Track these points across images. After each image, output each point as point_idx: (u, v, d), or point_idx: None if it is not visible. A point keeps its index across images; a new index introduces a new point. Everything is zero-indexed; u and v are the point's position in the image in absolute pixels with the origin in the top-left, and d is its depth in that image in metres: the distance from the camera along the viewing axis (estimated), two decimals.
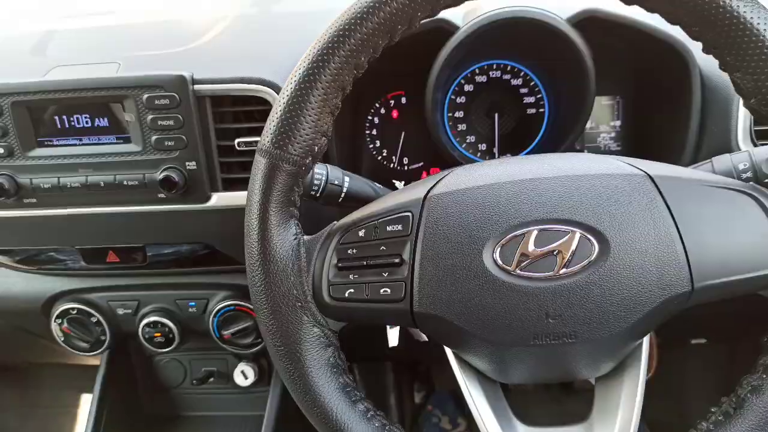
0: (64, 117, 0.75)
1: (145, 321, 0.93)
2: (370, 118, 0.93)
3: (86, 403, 1.69)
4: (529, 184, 0.50)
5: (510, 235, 0.49)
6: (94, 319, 0.94)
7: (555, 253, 0.48)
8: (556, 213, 0.49)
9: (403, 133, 0.94)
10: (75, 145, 0.76)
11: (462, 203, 0.50)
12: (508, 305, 0.48)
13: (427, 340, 0.72)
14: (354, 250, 0.53)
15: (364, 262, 0.52)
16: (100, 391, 1.04)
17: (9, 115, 0.74)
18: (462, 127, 0.91)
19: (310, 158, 0.52)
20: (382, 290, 0.51)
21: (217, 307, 0.91)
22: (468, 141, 0.92)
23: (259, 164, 0.52)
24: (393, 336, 0.72)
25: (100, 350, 0.96)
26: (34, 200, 0.78)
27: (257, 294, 0.53)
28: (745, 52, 0.47)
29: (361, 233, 0.53)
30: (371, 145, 0.94)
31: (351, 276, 0.52)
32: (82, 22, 0.93)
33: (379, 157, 0.95)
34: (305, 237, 0.55)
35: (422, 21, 0.51)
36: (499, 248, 0.49)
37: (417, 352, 0.66)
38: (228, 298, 0.91)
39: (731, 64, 0.48)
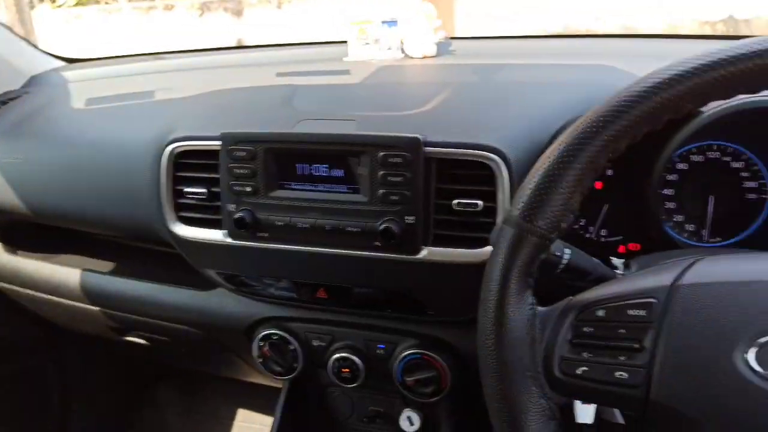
0: (306, 165, 0.85)
1: (336, 355, 0.99)
2: None
3: (239, 416, 1.82)
4: None
5: (767, 338, 0.47)
6: (291, 347, 1.02)
7: None
8: None
9: (605, 205, 0.94)
10: (311, 190, 0.85)
11: (715, 297, 0.50)
12: (758, 411, 0.46)
13: (623, 422, 0.70)
14: (591, 329, 0.53)
15: (602, 343, 0.53)
16: (281, 414, 1.12)
17: (261, 159, 0.85)
18: (671, 205, 0.89)
19: (555, 233, 0.54)
20: (617, 373, 0.51)
21: (405, 353, 0.95)
22: (675, 220, 0.89)
23: (506, 233, 0.55)
24: (586, 413, 0.71)
25: (291, 376, 1.04)
26: (266, 234, 0.88)
27: (488, 357, 0.55)
28: None
29: (600, 313, 0.54)
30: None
31: (585, 354, 0.53)
32: (319, 79, 1.04)
33: (576, 226, 0.95)
34: (540, 308, 0.56)
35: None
36: (754, 349, 0.47)
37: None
38: (415, 346, 0.95)
39: None
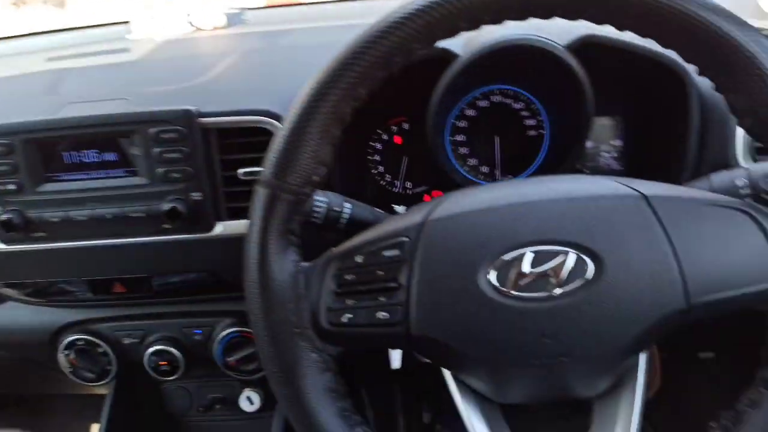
0: (73, 152, 0.77)
1: (150, 350, 0.93)
2: (372, 144, 0.95)
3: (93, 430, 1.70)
4: (524, 207, 0.51)
5: (506, 257, 0.49)
6: (100, 350, 0.94)
7: (550, 273, 0.49)
8: (551, 234, 0.50)
9: (405, 158, 0.95)
10: (83, 179, 0.78)
11: (458, 227, 0.51)
12: (504, 326, 0.49)
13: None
14: (352, 276, 0.54)
15: (362, 288, 0.53)
16: (107, 422, 1.05)
17: (20, 152, 0.76)
18: (464, 150, 0.93)
19: (309, 188, 0.53)
20: (379, 314, 0.52)
21: (222, 334, 0.92)
22: (470, 164, 0.93)
23: (259, 195, 0.53)
24: (395, 359, 0.73)
25: (106, 380, 0.97)
26: (44, 234, 0.80)
27: (256, 322, 0.53)
28: (738, 73, 0.47)
29: (359, 259, 0.54)
30: (374, 171, 0.96)
31: (348, 301, 0.53)
32: (92, 61, 0.95)
33: (383, 182, 0.96)
34: (304, 264, 0.55)
35: (420, 52, 0.52)
36: (494, 270, 0.50)
37: (424, 373, 0.67)
38: (233, 324, 0.92)
39: (725, 86, 0.49)
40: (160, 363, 0.93)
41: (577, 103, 0.81)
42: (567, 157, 0.86)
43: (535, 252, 0.49)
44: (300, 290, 0.54)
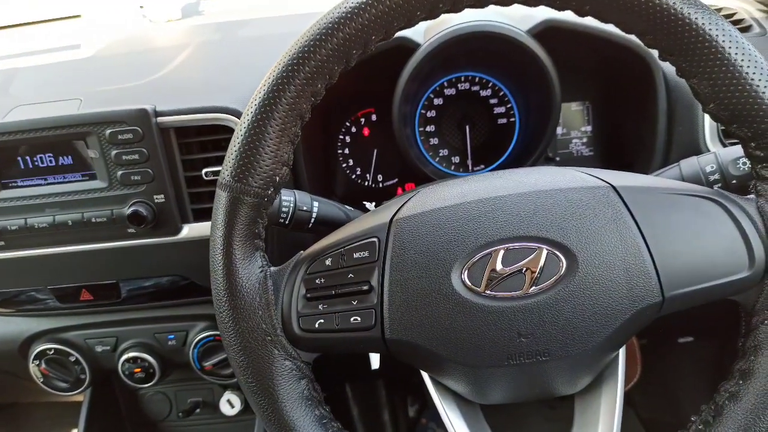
0: (27, 157, 0.74)
1: (124, 357, 0.91)
2: (341, 137, 0.93)
3: None
4: (493, 203, 0.50)
5: (477, 256, 0.48)
6: (72, 359, 0.92)
7: (523, 271, 0.47)
8: (522, 230, 0.48)
9: (375, 151, 0.94)
10: (40, 185, 0.75)
11: (427, 225, 0.50)
12: (479, 326, 0.48)
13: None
14: (322, 280, 0.52)
15: (333, 292, 0.51)
16: (84, 430, 1.02)
17: None
18: (434, 141, 0.91)
19: (271, 189, 0.51)
20: (352, 319, 0.50)
21: (197, 339, 0.90)
22: (441, 155, 0.91)
23: (221, 198, 0.51)
24: (375, 359, 0.71)
25: (80, 389, 0.94)
26: (2, 243, 0.77)
27: (226, 331, 0.51)
28: (700, 57, 0.46)
29: (328, 262, 0.52)
30: (344, 164, 0.94)
31: (320, 306, 0.51)
32: (43, 59, 0.91)
33: (353, 176, 0.94)
34: (272, 269, 0.53)
35: (378, 43, 0.50)
36: (466, 269, 0.48)
37: (407, 367, 0.66)
38: (207, 329, 0.90)
39: (687, 71, 0.48)
40: (135, 370, 0.91)
41: (544, 89, 0.79)
42: (538, 145, 0.84)
43: (506, 249, 0.48)
44: (269, 296, 0.52)
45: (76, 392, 0.95)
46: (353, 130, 0.92)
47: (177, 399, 1.11)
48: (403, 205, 0.53)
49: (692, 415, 0.52)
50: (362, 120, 0.92)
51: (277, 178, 0.51)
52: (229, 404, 1.06)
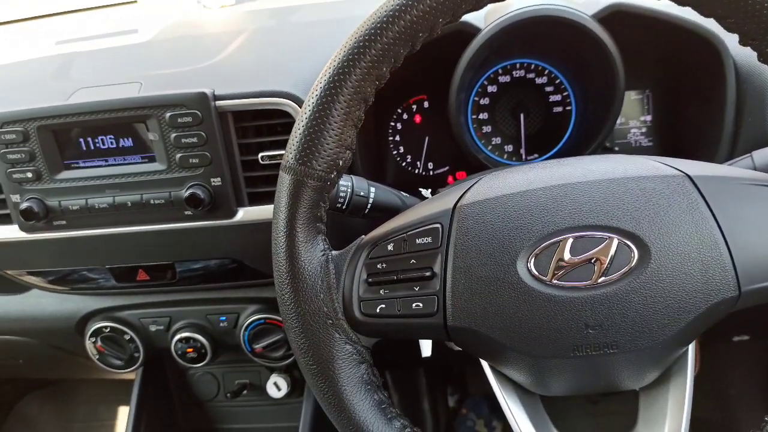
0: (89, 139, 0.76)
1: (177, 337, 0.93)
2: (392, 124, 0.92)
3: (122, 417, 1.72)
4: (561, 190, 0.48)
5: (544, 244, 0.47)
6: (127, 337, 0.94)
7: (592, 261, 0.46)
8: (593, 219, 0.47)
9: (426, 138, 0.93)
10: (101, 166, 0.77)
11: (493, 212, 0.49)
12: (544, 317, 0.47)
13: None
14: (383, 265, 0.51)
15: (395, 277, 0.51)
16: (136, 407, 1.05)
17: (36, 139, 0.75)
18: (487, 129, 0.90)
19: (334, 173, 0.51)
20: (414, 305, 0.50)
21: (248, 321, 0.91)
22: (494, 143, 0.90)
23: (284, 181, 0.51)
24: (426, 347, 0.71)
25: (134, 367, 0.97)
26: (64, 222, 0.79)
27: (287, 313, 0.52)
28: None
29: (390, 247, 0.52)
30: (395, 152, 0.93)
31: (381, 291, 0.51)
32: (101, 44, 0.93)
33: (404, 164, 0.94)
34: (333, 252, 0.54)
35: (445, 26, 0.49)
36: (533, 258, 0.47)
37: (450, 357, 0.65)
38: (258, 311, 0.91)
39: None
40: (187, 350, 0.93)
41: (607, 77, 0.77)
42: (597, 135, 0.82)
43: (575, 238, 0.46)
44: (331, 279, 0.52)
45: (129, 370, 0.98)
46: (405, 117, 0.92)
47: (224, 380, 1.13)
48: (466, 191, 0.52)
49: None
50: (414, 107, 0.91)
51: (340, 162, 0.51)
52: (276, 387, 1.07)
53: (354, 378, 0.52)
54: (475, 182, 0.53)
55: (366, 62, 0.48)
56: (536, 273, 0.47)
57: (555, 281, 0.47)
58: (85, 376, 1.56)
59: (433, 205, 0.52)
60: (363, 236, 0.55)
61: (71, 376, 1.57)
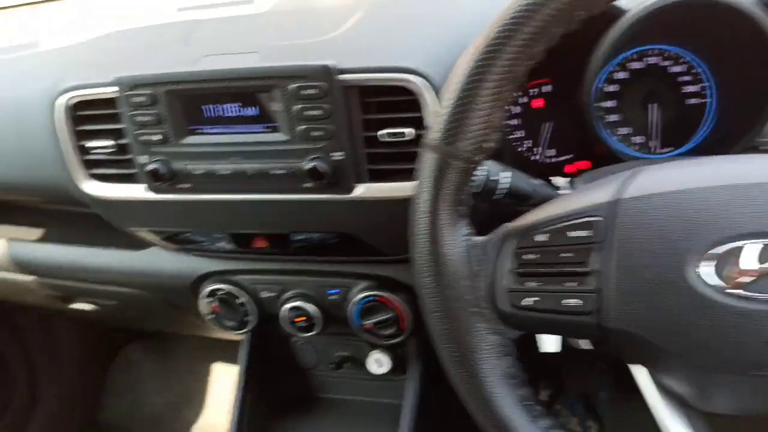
0: (215, 106, 0.76)
1: (288, 305, 0.94)
2: (510, 107, 0.86)
3: (217, 375, 1.81)
4: (745, 190, 0.43)
5: (722, 248, 0.42)
6: (239, 301, 0.96)
7: None
8: None
9: (548, 124, 0.86)
10: (225, 133, 0.77)
11: (664, 209, 0.45)
12: (720, 327, 0.42)
13: (584, 348, 0.65)
14: (533, 256, 0.49)
15: (547, 270, 0.48)
16: (245, 369, 1.08)
17: (164, 104, 0.76)
18: (614, 117, 0.82)
19: (481, 155, 0.48)
20: (567, 301, 0.47)
21: (358, 297, 0.90)
22: (620, 133, 0.82)
23: (428, 160, 0.49)
24: (550, 343, 0.67)
25: (246, 330, 0.99)
26: (188, 185, 0.80)
27: (429, 297, 0.50)
28: None
29: (542, 238, 0.49)
30: (511, 136, 0.87)
31: (531, 283, 0.49)
32: (218, 12, 0.93)
33: (519, 149, 0.88)
34: (477, 238, 0.51)
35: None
36: (709, 262, 0.43)
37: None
38: (369, 288, 0.90)
39: None
40: (296, 319, 0.94)
41: (763, 68, 0.69)
42: (745, 131, 0.74)
43: (764, 245, 0.41)
44: (474, 266, 0.49)
45: (241, 332, 1.00)
46: (524, 100, 0.86)
47: (325, 351, 1.13)
48: (628, 184, 0.47)
49: None
50: (534, 91, 0.85)
51: (487, 144, 0.48)
52: (378, 363, 1.06)
53: (498, 371, 0.50)
54: (637, 174, 0.48)
55: (520, 39, 0.44)
56: (713, 280, 0.43)
57: (734, 290, 0.42)
58: (188, 333, 1.64)
59: (591, 196, 0.49)
60: (506, 224, 0.52)
61: (176, 331, 1.65)
